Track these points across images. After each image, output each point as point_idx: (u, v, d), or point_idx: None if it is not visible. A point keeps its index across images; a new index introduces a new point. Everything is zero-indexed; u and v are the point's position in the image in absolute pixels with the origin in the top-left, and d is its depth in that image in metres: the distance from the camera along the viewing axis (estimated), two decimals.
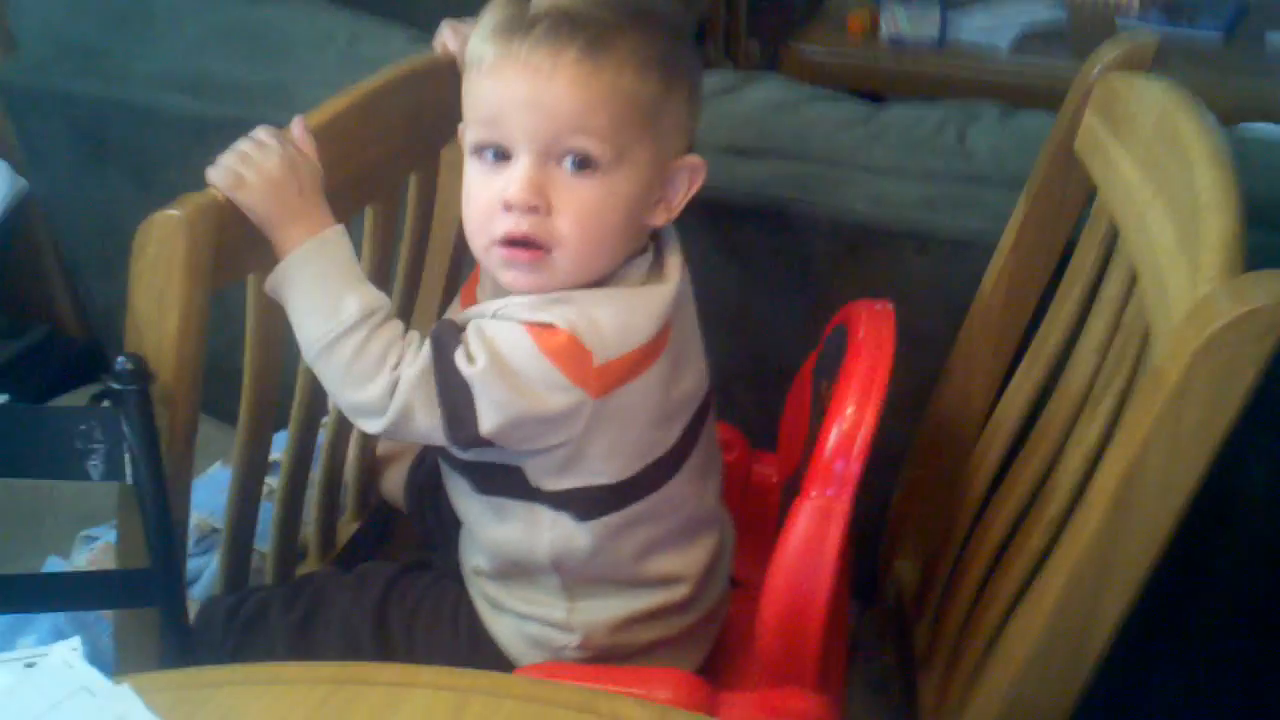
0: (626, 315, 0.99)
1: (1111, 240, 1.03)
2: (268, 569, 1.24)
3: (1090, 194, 1.09)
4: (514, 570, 1.09)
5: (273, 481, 1.35)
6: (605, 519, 1.04)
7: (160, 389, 0.93)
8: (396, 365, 0.95)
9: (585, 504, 1.03)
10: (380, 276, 1.14)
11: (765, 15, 4.53)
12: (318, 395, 1.13)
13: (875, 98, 3.39)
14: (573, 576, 1.07)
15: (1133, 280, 0.96)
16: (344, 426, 1.23)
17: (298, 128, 1.00)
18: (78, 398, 1.79)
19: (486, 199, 0.98)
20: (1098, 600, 0.85)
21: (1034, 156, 1.15)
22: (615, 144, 0.96)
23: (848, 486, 0.97)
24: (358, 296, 0.96)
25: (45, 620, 1.28)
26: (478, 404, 0.95)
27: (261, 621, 1.14)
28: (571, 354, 0.95)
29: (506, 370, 0.95)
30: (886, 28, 3.16)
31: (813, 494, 0.97)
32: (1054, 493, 1.02)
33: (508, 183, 0.96)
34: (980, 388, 1.21)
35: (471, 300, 1.09)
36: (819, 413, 1.05)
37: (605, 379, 0.97)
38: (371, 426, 0.98)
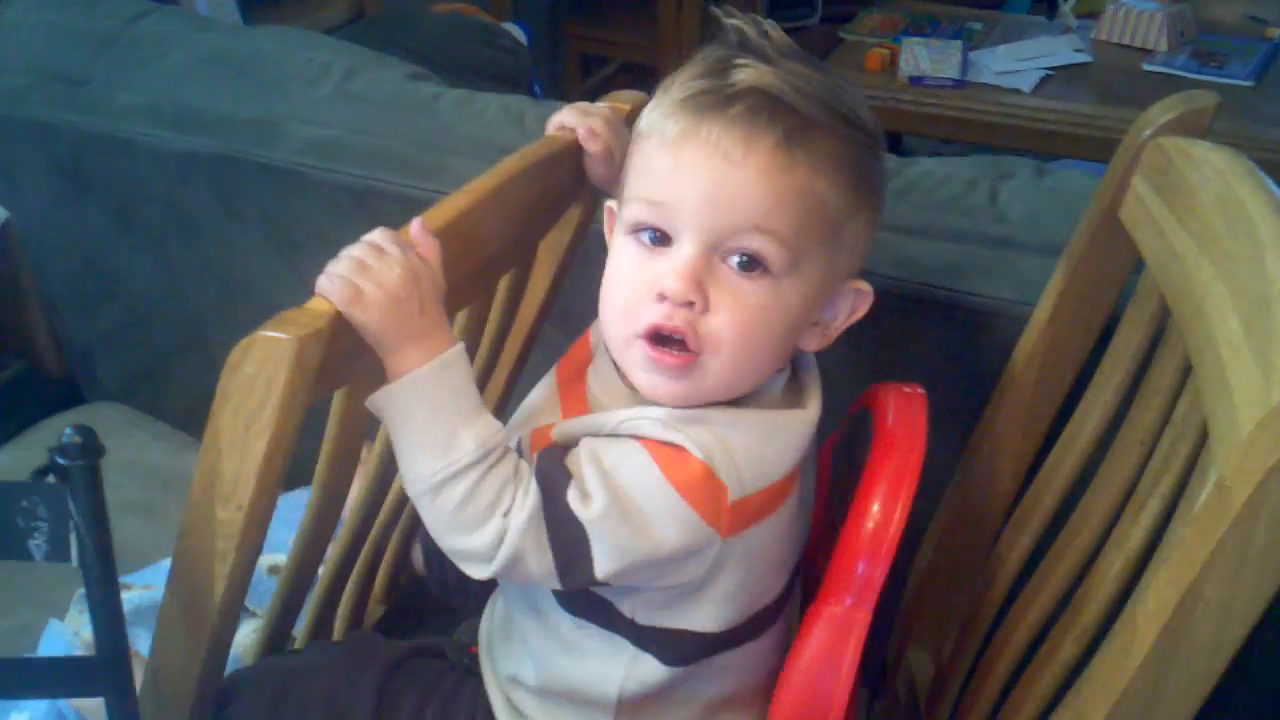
0: (765, 444, 0.88)
1: (1161, 321, 0.94)
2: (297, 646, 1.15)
3: (1136, 265, 1.01)
4: (564, 695, 0.98)
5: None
6: (692, 666, 0.94)
7: (230, 513, 0.84)
8: (508, 511, 0.85)
9: (678, 648, 0.93)
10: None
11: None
12: (388, 469, 1.03)
13: (893, 136, 3.36)
14: (632, 718, 0.96)
15: (1186, 369, 0.87)
16: (400, 509, 1.13)
17: (419, 231, 0.87)
18: (49, 430, 1.74)
19: (638, 285, 0.88)
20: None
21: (1072, 221, 1.06)
22: (793, 250, 0.85)
23: (869, 595, 0.88)
24: (475, 431, 0.84)
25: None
26: (594, 549, 0.84)
27: (231, 702, 1.03)
28: (705, 488, 0.84)
29: (629, 508, 0.84)
30: (906, 66, 3.11)
31: (831, 601, 0.88)
32: (1089, 599, 0.93)
33: (666, 271, 0.86)
34: (1007, 470, 1.11)
35: (578, 395, 0.97)
36: (838, 499, 0.96)
37: (738, 518, 0.86)
38: (476, 573, 0.87)
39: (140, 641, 1.30)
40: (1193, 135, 0.96)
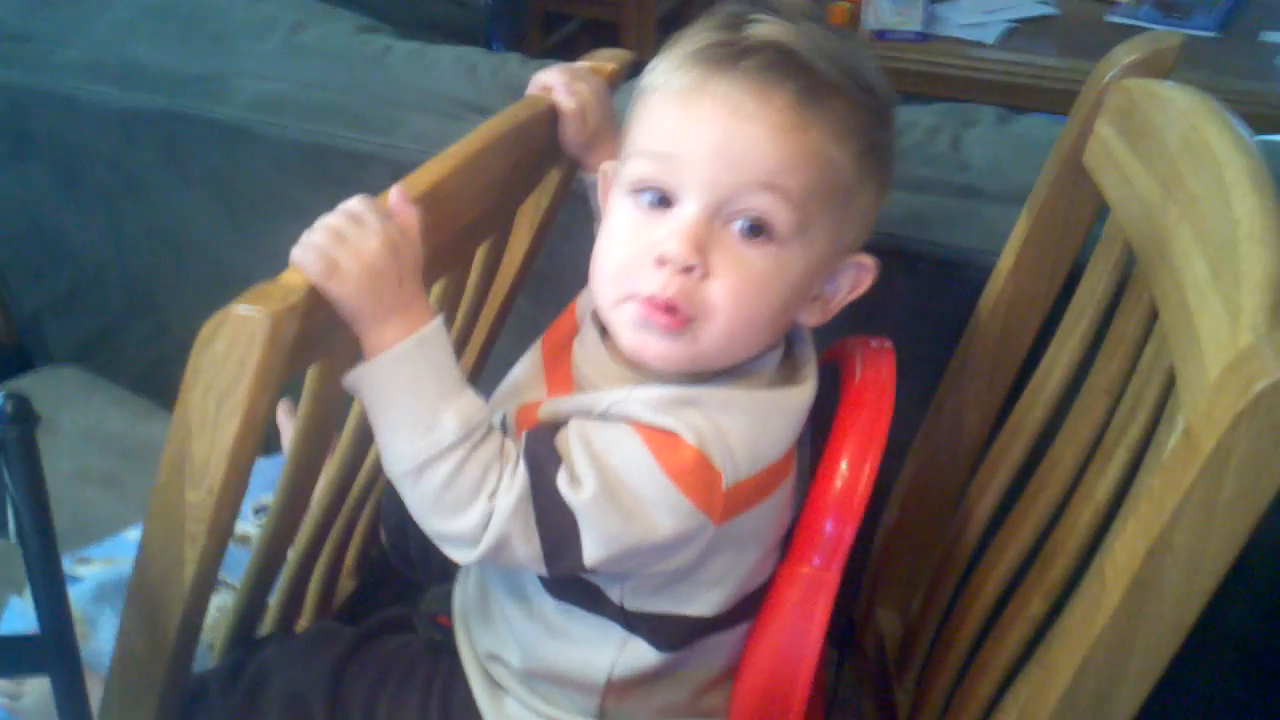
0: (759, 428, 0.85)
1: (1126, 267, 0.92)
2: (267, 624, 1.11)
3: (1101, 211, 0.98)
4: (550, 677, 0.95)
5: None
6: (684, 649, 0.91)
7: (201, 495, 0.79)
8: (494, 493, 0.81)
9: (669, 632, 0.90)
10: None
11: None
12: (361, 446, 1.00)
13: None
14: (618, 700, 0.93)
15: (1152, 315, 0.85)
16: (371, 485, 1.10)
17: (400, 200, 0.82)
18: None
19: (635, 248, 0.84)
20: (1113, 688, 0.73)
21: (1036, 168, 1.04)
22: (800, 214, 0.82)
23: (838, 555, 0.86)
24: (457, 410, 0.80)
25: None
26: (584, 535, 0.81)
27: (200, 705, 1.00)
28: (699, 475, 0.81)
29: (620, 493, 0.81)
30: (869, 19, 3.08)
31: (799, 561, 0.86)
32: (1057, 553, 0.91)
33: (666, 234, 0.82)
34: (973, 424, 1.09)
35: (564, 370, 0.94)
36: (805, 457, 0.94)
37: (731, 503, 0.82)
38: (460, 557, 0.84)
39: (105, 621, 1.27)
40: (1157, 77, 0.94)
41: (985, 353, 1.07)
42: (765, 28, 0.82)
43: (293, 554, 1.06)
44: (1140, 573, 0.69)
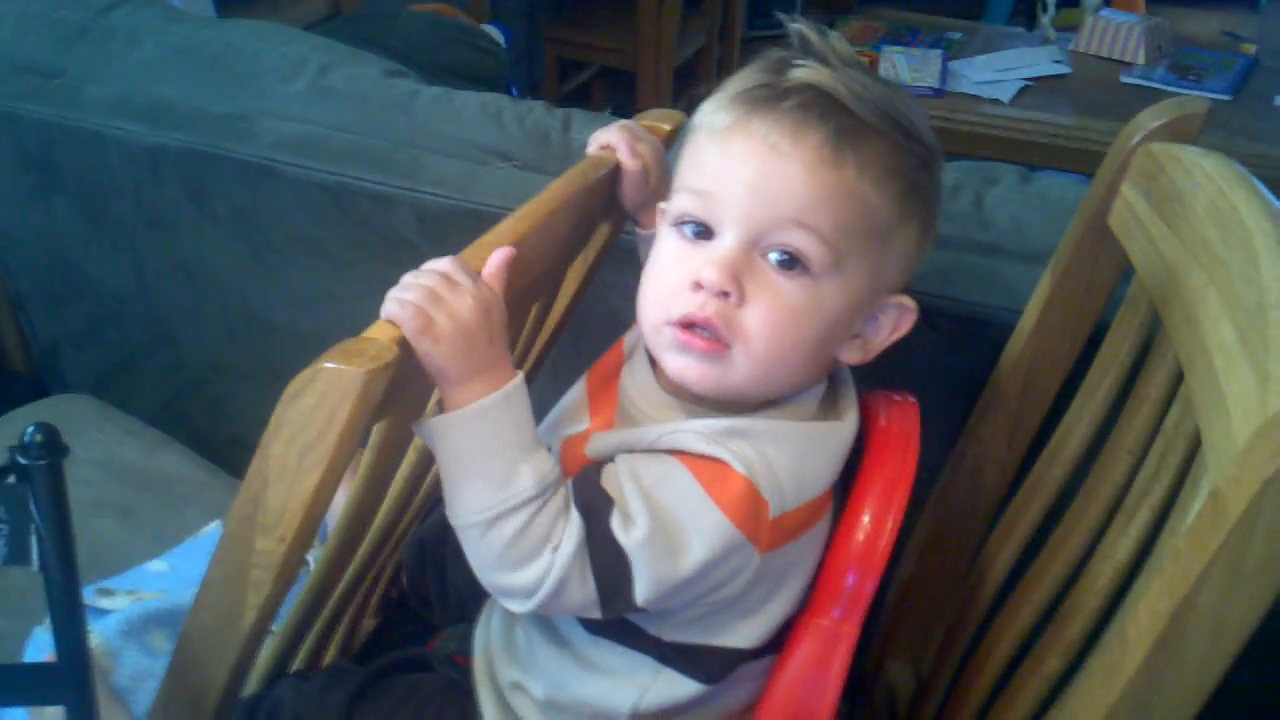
0: (805, 460, 0.86)
1: (1151, 329, 0.93)
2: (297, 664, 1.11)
3: (1124, 273, 0.99)
4: (572, 709, 0.95)
5: None
6: (717, 682, 0.91)
7: (273, 544, 0.79)
8: (557, 546, 0.81)
9: (707, 664, 0.90)
10: None
11: (758, 54, 4.47)
12: (409, 494, 1.01)
13: None
14: None
15: (1177, 377, 0.86)
16: (394, 527, 1.09)
17: (499, 262, 0.84)
18: (14, 424, 1.70)
19: (676, 275, 0.86)
20: None
21: (1059, 228, 1.05)
22: (835, 250, 0.83)
23: (858, 607, 0.86)
24: (533, 466, 0.81)
25: None
26: (636, 576, 0.82)
27: None
28: (748, 505, 0.82)
29: (671, 530, 0.82)
30: (885, 73, 3.09)
31: (819, 613, 0.86)
32: (1076, 611, 0.91)
33: (703, 262, 0.84)
34: (991, 481, 1.10)
35: (609, 400, 0.95)
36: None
37: (777, 534, 0.84)
38: (518, 607, 0.84)
39: (129, 656, 1.27)
40: (1182, 142, 0.95)
41: (1006, 410, 1.07)
42: (806, 71, 0.84)
43: (332, 598, 1.07)
44: (1164, 634, 0.69)
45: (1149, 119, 0.96)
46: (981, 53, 3.30)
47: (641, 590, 0.82)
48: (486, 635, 1.03)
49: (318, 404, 0.74)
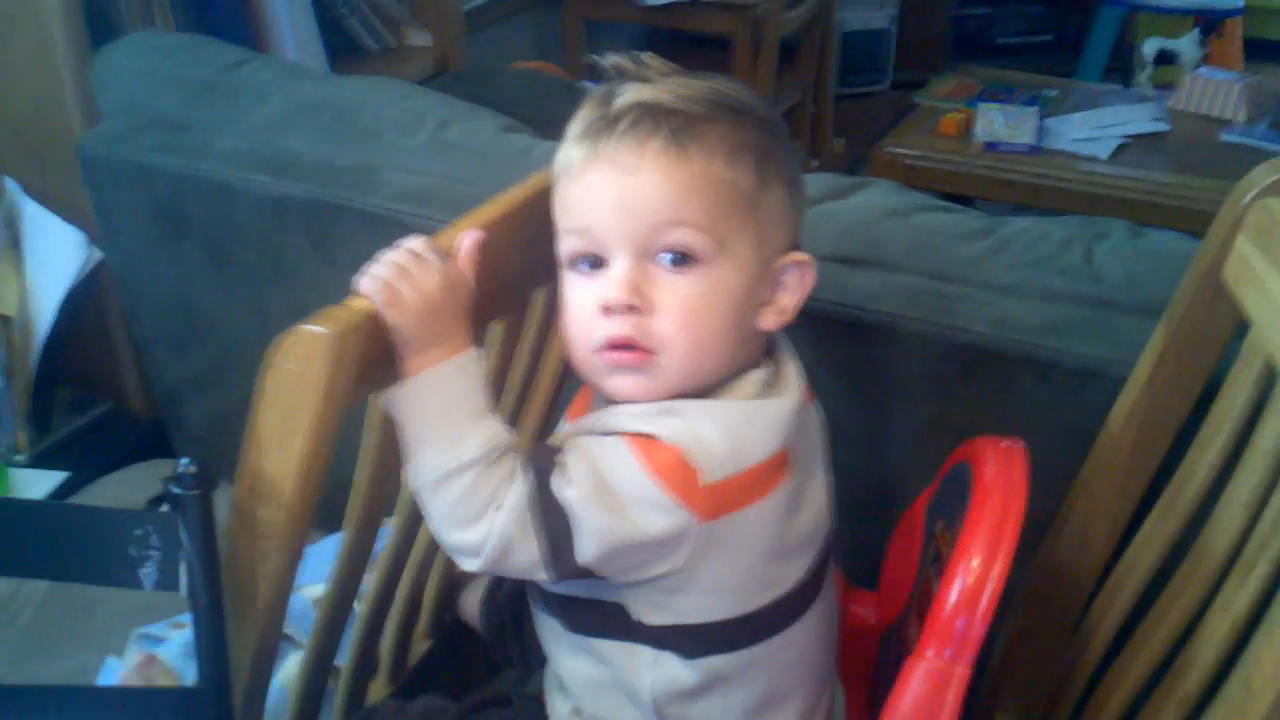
0: (740, 429, 0.91)
1: (1268, 383, 0.94)
2: (341, 687, 1.15)
3: (1238, 327, 1.00)
4: (608, 710, 1.00)
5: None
6: (714, 659, 0.95)
7: (272, 513, 0.85)
8: (501, 505, 0.87)
9: (692, 641, 0.94)
10: (494, 395, 1.05)
11: (851, 114, 4.51)
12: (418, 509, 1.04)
13: (966, 201, 3.38)
14: None
15: None
16: (435, 544, 1.13)
17: (470, 244, 0.93)
18: (137, 474, 1.76)
19: (586, 307, 0.93)
20: None
21: (1169, 281, 1.06)
22: (713, 234, 0.90)
23: (969, 649, 0.87)
24: (480, 431, 0.88)
25: None
26: (576, 532, 0.87)
27: None
28: (678, 471, 0.87)
29: (606, 490, 0.88)
30: (982, 131, 3.11)
31: (929, 654, 0.87)
32: (1193, 664, 0.91)
33: (605, 287, 0.91)
34: (1101, 533, 1.10)
35: (584, 399, 1.03)
36: (933, 557, 0.96)
37: (715, 500, 0.88)
38: (470, 565, 0.91)
39: (190, 673, 1.32)
40: None
41: (1117, 463, 1.08)
42: (629, 93, 0.92)
43: (363, 608, 1.11)
44: None
45: (1264, 175, 0.97)
46: (1078, 110, 3.30)
47: (584, 547, 0.87)
48: (548, 673, 1.08)
49: (297, 367, 0.81)
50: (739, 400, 0.93)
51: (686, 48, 4.07)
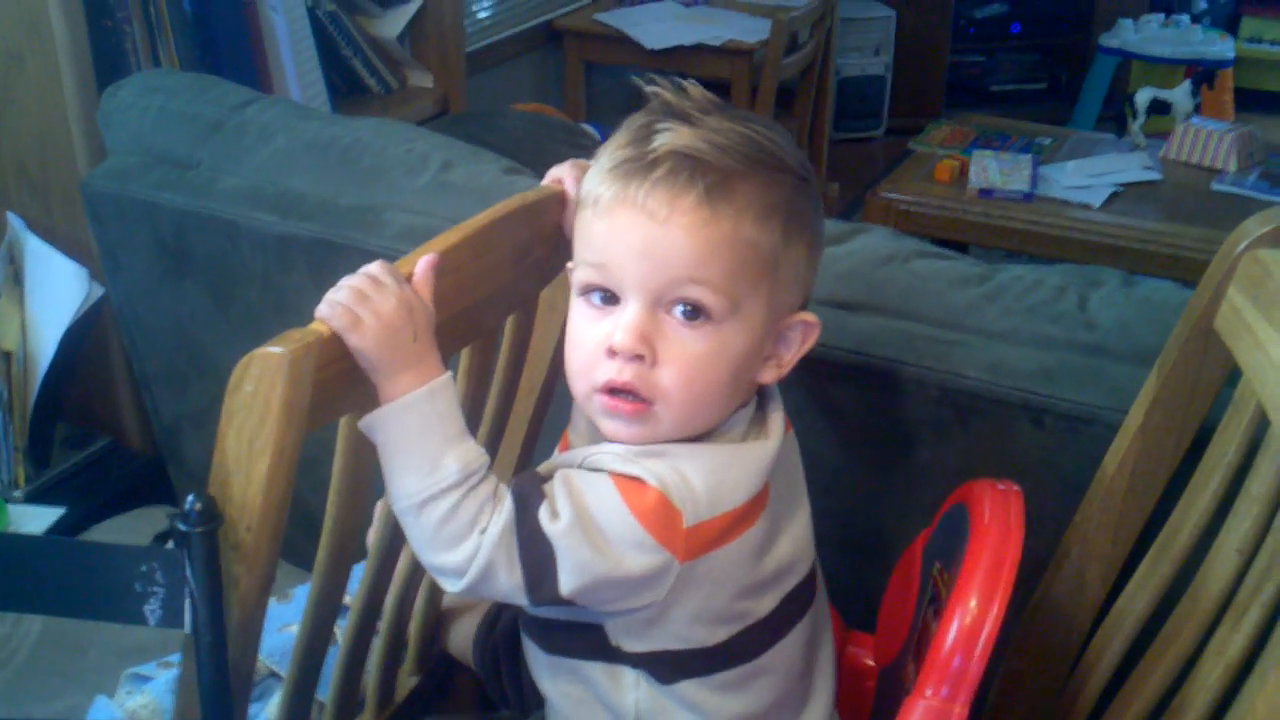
0: (722, 473, 0.93)
1: (1259, 430, 0.95)
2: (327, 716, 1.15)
3: (1229, 375, 1.02)
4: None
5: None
6: (693, 682, 0.97)
7: (240, 535, 0.86)
8: (485, 529, 0.89)
9: (668, 667, 0.97)
10: (471, 421, 1.06)
11: (846, 159, 4.55)
12: (397, 538, 1.05)
13: (960, 247, 3.40)
14: None
15: None
16: (416, 573, 1.15)
17: (423, 267, 0.93)
18: (137, 519, 1.76)
19: (591, 343, 0.94)
20: None
21: (1162, 329, 1.08)
22: (730, 295, 0.91)
23: (965, 689, 0.88)
24: (459, 454, 0.89)
25: None
26: (559, 564, 0.89)
27: None
28: (661, 514, 0.89)
29: (591, 528, 0.89)
30: (976, 178, 3.14)
31: (927, 693, 0.88)
32: (1186, 709, 0.93)
33: (614, 328, 0.92)
34: (1096, 577, 1.11)
35: (566, 444, 1.04)
36: (930, 598, 0.97)
37: (694, 542, 0.90)
38: (452, 586, 0.92)
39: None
40: None
41: (1111, 508, 1.10)
42: (669, 136, 0.91)
43: (343, 640, 1.12)
44: None
45: (1255, 226, 0.99)
46: (1071, 158, 3.33)
47: (564, 579, 0.89)
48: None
49: (255, 389, 0.82)
50: (724, 445, 0.95)
51: None
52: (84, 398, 2.03)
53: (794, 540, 1.01)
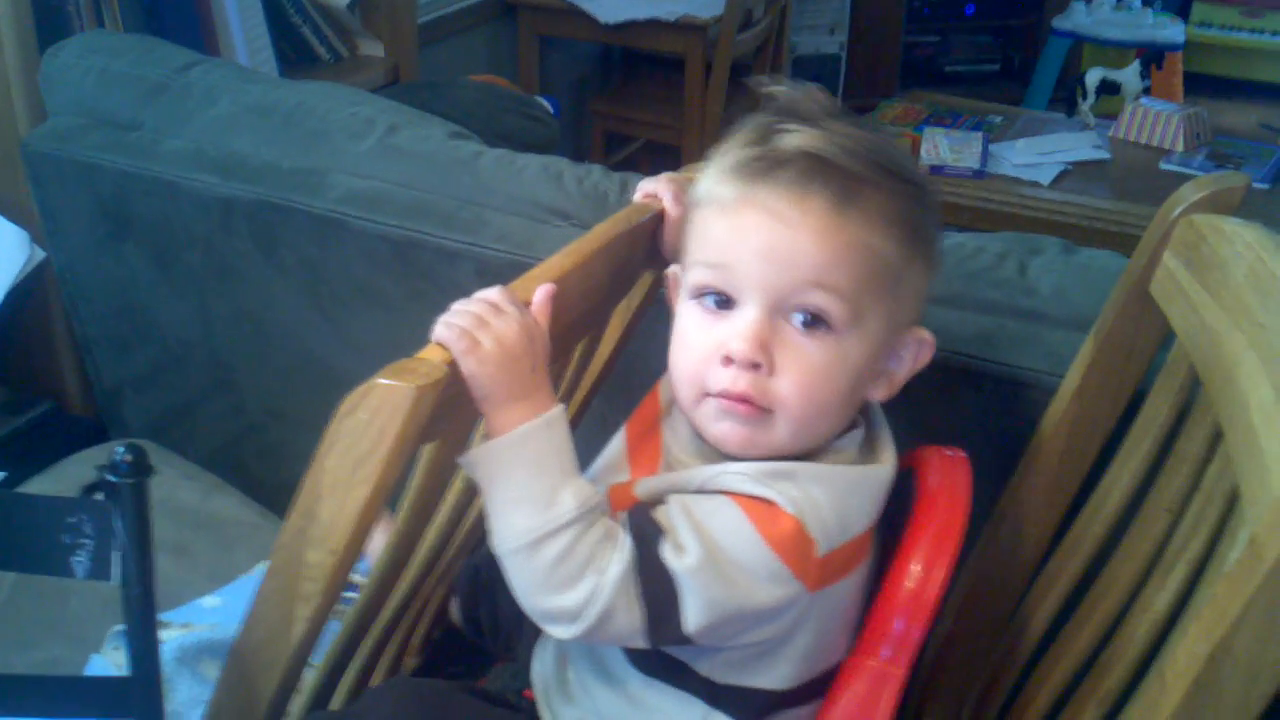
0: (847, 499, 0.89)
1: (1191, 392, 0.96)
2: (338, 700, 1.14)
3: (1164, 339, 1.03)
4: None
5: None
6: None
7: (323, 555, 0.84)
8: (603, 569, 0.84)
9: (754, 704, 0.93)
10: None
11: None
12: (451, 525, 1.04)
13: None
14: None
15: (1216, 437, 0.89)
16: (436, 560, 1.12)
17: (543, 296, 0.89)
18: (76, 466, 1.74)
19: (705, 348, 0.90)
20: None
21: (1100, 296, 1.08)
22: (854, 304, 0.88)
23: (906, 651, 0.89)
24: (575, 490, 0.85)
25: None
26: (685, 601, 0.85)
27: None
28: (796, 543, 0.85)
29: (722, 561, 0.85)
30: (927, 155, 3.16)
31: (868, 654, 0.89)
32: (1114, 662, 0.94)
33: (731, 334, 0.88)
34: (1031, 539, 1.12)
35: (650, 452, 0.99)
36: (875, 561, 0.97)
37: (824, 572, 0.87)
38: (564, 632, 0.87)
39: (183, 683, 1.31)
40: (1223, 214, 0.99)
41: (1047, 471, 1.10)
42: (795, 137, 0.88)
43: (374, 629, 1.10)
44: (1201, 676, 0.72)
45: (1191, 191, 1.00)
46: (1022, 136, 3.35)
47: (691, 618, 0.85)
48: (544, 674, 1.06)
49: (370, 418, 0.78)
50: (844, 466, 0.92)
51: (639, 66, 4.11)
52: (25, 362, 2.00)
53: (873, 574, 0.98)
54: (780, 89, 0.94)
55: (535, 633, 1.07)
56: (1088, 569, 1.05)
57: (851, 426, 0.94)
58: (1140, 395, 1.05)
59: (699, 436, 0.94)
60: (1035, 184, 3.09)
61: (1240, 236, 0.91)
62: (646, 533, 0.86)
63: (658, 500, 0.91)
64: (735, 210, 0.89)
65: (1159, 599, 0.90)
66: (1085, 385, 1.07)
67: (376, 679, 1.18)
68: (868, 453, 0.95)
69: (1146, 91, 3.74)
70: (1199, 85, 4.66)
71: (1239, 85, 5.00)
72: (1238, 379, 0.83)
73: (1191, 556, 0.89)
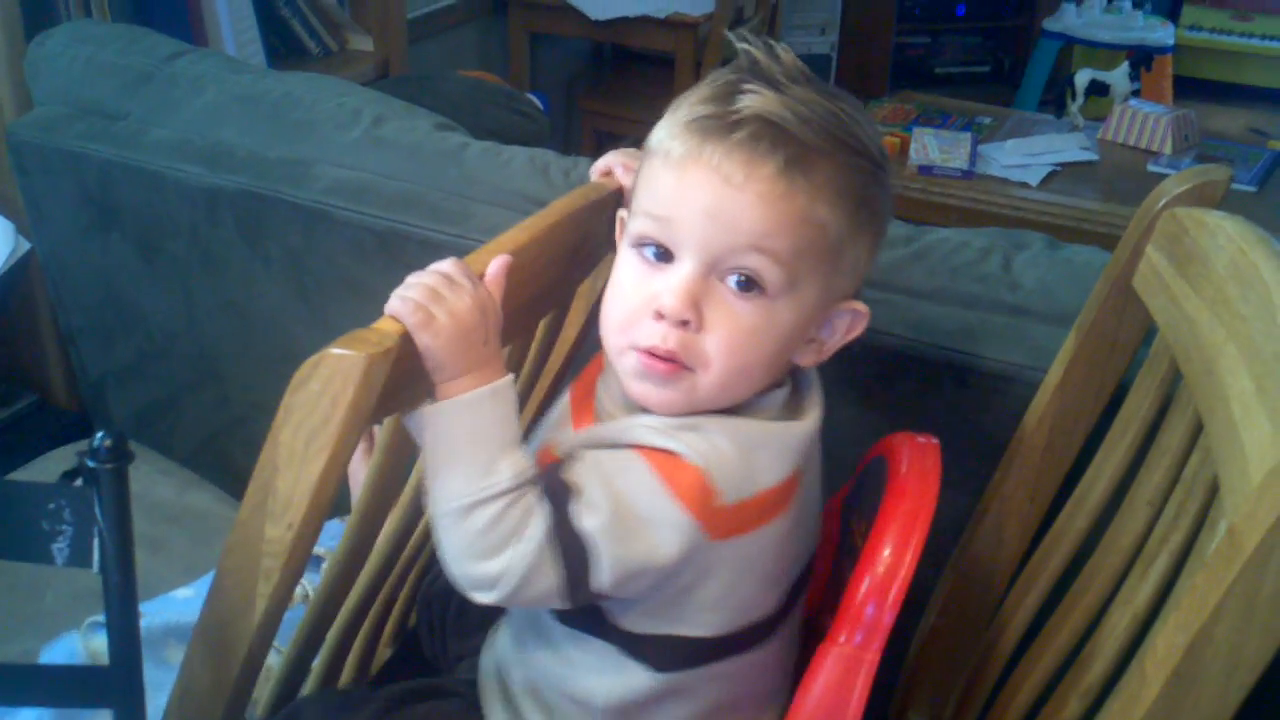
0: (757, 451, 0.90)
1: (1172, 385, 0.96)
2: (309, 686, 1.13)
3: (1147, 333, 1.03)
4: (557, 704, 0.99)
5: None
6: (681, 673, 0.94)
7: (281, 530, 0.83)
8: (524, 536, 0.85)
9: (666, 654, 0.94)
10: None
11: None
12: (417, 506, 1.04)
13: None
14: None
15: (1197, 430, 0.89)
16: (423, 547, 1.13)
17: (497, 268, 0.89)
18: (61, 458, 1.74)
19: (637, 300, 0.90)
20: None
21: (1084, 292, 1.09)
22: (789, 272, 0.87)
23: (877, 636, 0.88)
24: (512, 461, 0.85)
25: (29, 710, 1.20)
26: (597, 562, 0.86)
27: None
28: (699, 494, 0.86)
29: (628, 516, 0.86)
30: (916, 155, 3.16)
31: (840, 640, 0.89)
32: (1096, 655, 0.94)
33: (664, 288, 0.88)
34: (1014, 533, 1.13)
35: (588, 408, 0.99)
36: (848, 550, 0.97)
37: (729, 522, 0.88)
38: (484, 598, 0.88)
39: (145, 668, 1.30)
40: (1206, 207, 0.99)
41: (1029, 465, 1.10)
42: (753, 99, 0.87)
43: (341, 613, 1.09)
44: (1181, 666, 0.72)
45: (1174, 185, 1.00)
46: (1011, 137, 3.36)
47: (601, 576, 0.86)
48: (493, 652, 1.07)
49: (323, 389, 0.78)
50: (759, 420, 0.92)
51: (630, 64, 4.11)
52: (9, 355, 2.00)
53: (809, 535, 0.99)
54: (748, 46, 0.92)
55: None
56: (1070, 563, 1.05)
57: (776, 386, 0.95)
58: (1123, 390, 1.05)
59: (625, 390, 0.95)
60: (1023, 185, 3.10)
61: (1222, 229, 0.91)
62: (559, 495, 0.87)
63: (574, 455, 0.91)
64: (684, 166, 0.88)
65: (1140, 592, 0.91)
66: (1068, 379, 1.08)
67: (349, 667, 1.17)
68: (792, 410, 0.95)
69: (1136, 94, 3.75)
70: (1188, 88, 4.67)
71: (1228, 89, 5.02)
72: (1218, 371, 0.83)
73: (1172, 549, 0.89)
